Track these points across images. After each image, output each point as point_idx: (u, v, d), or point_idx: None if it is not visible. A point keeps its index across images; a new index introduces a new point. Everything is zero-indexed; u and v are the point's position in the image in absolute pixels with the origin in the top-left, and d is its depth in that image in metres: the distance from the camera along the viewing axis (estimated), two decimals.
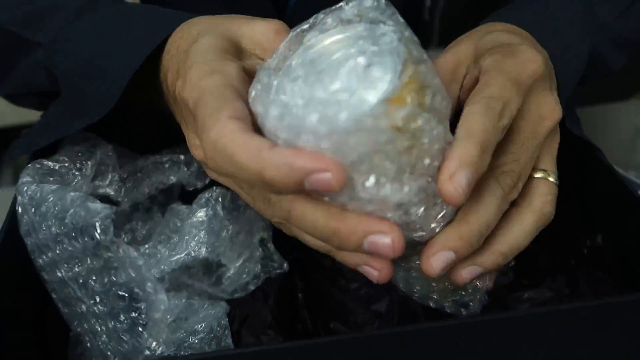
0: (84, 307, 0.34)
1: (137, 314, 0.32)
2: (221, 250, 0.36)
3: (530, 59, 0.31)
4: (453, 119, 0.29)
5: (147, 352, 0.32)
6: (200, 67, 0.29)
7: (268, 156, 0.24)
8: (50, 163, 0.35)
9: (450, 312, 0.35)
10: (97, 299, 0.33)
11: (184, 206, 0.37)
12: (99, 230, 0.31)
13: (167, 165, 0.41)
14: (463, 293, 0.34)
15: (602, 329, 0.31)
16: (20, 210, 0.33)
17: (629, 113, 0.66)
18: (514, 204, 0.32)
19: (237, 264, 0.38)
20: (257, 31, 0.32)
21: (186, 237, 0.35)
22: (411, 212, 0.27)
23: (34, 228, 0.33)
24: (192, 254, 0.35)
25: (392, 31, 0.25)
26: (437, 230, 0.29)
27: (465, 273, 0.31)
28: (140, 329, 0.32)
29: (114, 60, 0.35)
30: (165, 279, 0.35)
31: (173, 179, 0.41)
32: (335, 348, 0.29)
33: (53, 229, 0.32)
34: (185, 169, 0.41)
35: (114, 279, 0.32)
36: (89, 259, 0.32)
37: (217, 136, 0.25)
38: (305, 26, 0.28)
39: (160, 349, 0.32)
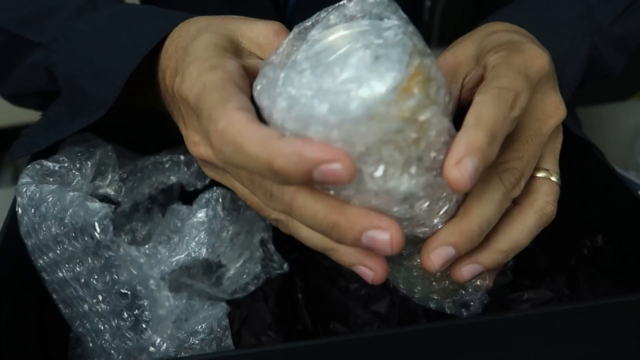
0: (86, 306, 0.34)
1: (140, 312, 0.32)
2: (221, 251, 0.36)
3: (536, 56, 0.31)
4: (454, 119, 0.29)
5: (152, 349, 0.32)
6: (201, 63, 0.29)
7: (278, 145, 0.24)
8: (50, 164, 0.35)
9: (451, 312, 0.35)
10: (100, 298, 0.33)
11: (184, 207, 0.37)
12: (98, 230, 0.31)
13: (167, 166, 0.41)
14: (463, 292, 0.34)
15: (602, 329, 0.31)
16: (20, 211, 0.33)
17: (629, 113, 0.66)
18: (515, 203, 0.32)
19: (237, 265, 0.38)
20: (256, 31, 0.33)
21: (186, 238, 0.35)
22: (416, 206, 0.27)
23: (34, 229, 0.33)
24: (193, 255, 0.35)
25: (397, 25, 0.26)
26: (440, 226, 0.29)
27: (466, 271, 0.31)
28: (143, 325, 0.32)
29: (112, 60, 0.35)
30: (166, 279, 0.35)
31: (173, 179, 0.41)
32: (335, 349, 0.29)
33: (53, 229, 0.32)
34: (186, 169, 0.41)
35: (116, 277, 0.32)
36: (89, 259, 0.32)
37: (226, 126, 0.25)
38: (308, 23, 0.28)
39: (165, 345, 0.32)
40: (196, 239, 0.35)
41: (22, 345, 0.35)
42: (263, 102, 0.27)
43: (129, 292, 0.32)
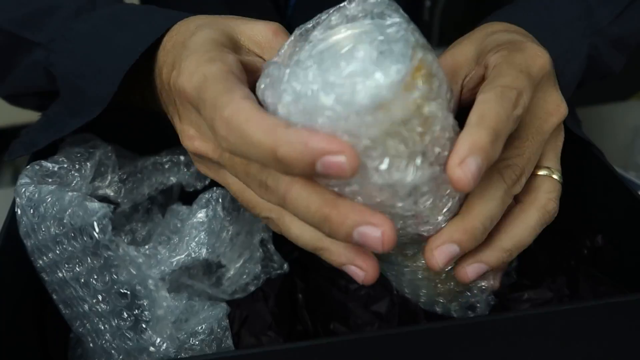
0: (86, 306, 0.34)
1: (139, 312, 0.32)
2: (221, 251, 0.36)
3: (537, 54, 0.31)
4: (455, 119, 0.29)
5: (152, 349, 0.32)
6: (199, 55, 0.29)
7: (283, 133, 0.24)
8: (49, 164, 0.35)
9: (457, 315, 0.35)
10: (99, 298, 0.33)
11: (184, 207, 0.37)
12: (97, 230, 0.31)
13: (166, 166, 0.41)
14: (469, 294, 0.34)
15: (602, 329, 0.31)
16: (19, 212, 0.33)
17: (629, 113, 0.66)
18: (517, 202, 0.32)
19: (237, 265, 0.38)
20: (255, 30, 0.33)
21: (186, 238, 0.35)
22: (420, 202, 0.27)
23: (33, 229, 0.33)
24: (193, 255, 0.35)
25: (398, 22, 0.26)
26: (443, 224, 0.29)
27: (471, 270, 0.31)
28: (143, 325, 0.32)
29: (110, 58, 0.35)
30: (166, 279, 0.35)
31: (173, 179, 0.41)
32: (335, 349, 0.29)
33: (52, 229, 0.32)
34: (185, 170, 0.41)
35: (115, 277, 0.32)
36: (89, 258, 0.32)
37: (232, 114, 0.25)
38: (309, 25, 0.28)
39: (165, 345, 0.32)
40: (196, 239, 0.35)
41: (22, 345, 0.35)
42: (268, 99, 0.27)
43: (129, 292, 0.32)
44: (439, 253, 0.28)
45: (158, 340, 0.32)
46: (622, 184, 0.37)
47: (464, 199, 0.30)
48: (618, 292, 0.37)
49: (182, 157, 0.40)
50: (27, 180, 0.34)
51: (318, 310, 0.40)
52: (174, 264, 0.34)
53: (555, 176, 0.33)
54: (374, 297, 0.40)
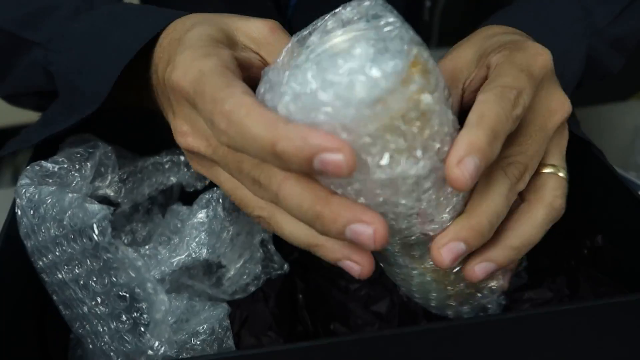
0: (85, 308, 0.34)
1: (138, 314, 0.32)
2: (222, 252, 0.36)
3: (538, 52, 0.31)
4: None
5: (150, 352, 0.32)
6: (194, 50, 0.29)
7: (283, 128, 0.24)
8: (49, 165, 0.35)
9: (468, 316, 0.35)
10: (98, 300, 0.33)
11: (185, 207, 0.37)
12: (96, 232, 0.31)
13: (167, 166, 0.41)
14: (480, 295, 0.34)
15: (603, 329, 0.31)
16: (19, 212, 0.33)
17: (629, 113, 0.66)
18: (524, 200, 0.32)
19: (238, 265, 0.38)
20: (251, 26, 0.33)
21: (187, 238, 0.35)
22: (423, 198, 0.27)
23: (33, 230, 0.33)
24: (193, 255, 0.35)
25: (393, 22, 0.26)
26: (448, 223, 0.29)
27: (479, 269, 0.31)
28: (142, 329, 0.32)
29: (106, 56, 0.35)
30: (166, 280, 0.35)
31: (173, 179, 0.41)
32: (336, 350, 0.29)
33: (52, 230, 0.32)
34: (185, 170, 0.41)
35: (114, 279, 0.32)
36: (88, 260, 0.32)
37: (233, 108, 0.25)
38: (306, 32, 0.28)
39: (163, 348, 0.32)
40: (196, 239, 0.35)
41: (23, 346, 0.35)
42: (268, 102, 0.27)
43: (128, 295, 0.32)
44: (446, 251, 0.28)
45: (156, 343, 0.32)
46: (622, 184, 0.37)
47: (469, 198, 0.30)
48: (618, 292, 0.37)
49: (182, 157, 0.40)
50: (28, 180, 0.34)
51: (318, 311, 0.40)
52: (175, 264, 0.34)
53: (561, 174, 0.33)
54: (374, 297, 0.40)
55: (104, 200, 0.39)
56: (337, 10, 0.28)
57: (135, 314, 0.32)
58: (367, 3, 0.27)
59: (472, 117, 0.27)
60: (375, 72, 0.24)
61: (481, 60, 0.33)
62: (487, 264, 0.31)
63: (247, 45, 0.32)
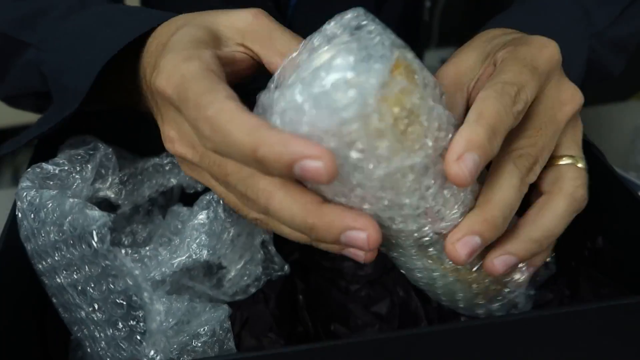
0: (83, 313, 0.34)
1: (135, 322, 0.32)
2: (222, 253, 0.36)
3: (544, 45, 0.31)
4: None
5: None
6: (176, 54, 0.29)
7: (264, 134, 0.24)
8: (50, 167, 0.35)
9: (500, 314, 0.34)
10: (96, 306, 0.33)
11: (185, 208, 0.37)
12: (95, 239, 0.31)
13: (167, 168, 0.41)
14: (507, 290, 0.34)
15: (603, 331, 0.31)
16: (19, 215, 0.33)
17: (629, 113, 0.66)
18: (544, 193, 0.32)
19: (238, 266, 0.38)
20: (234, 17, 0.32)
21: (187, 240, 0.35)
22: (426, 196, 0.28)
23: (33, 234, 0.33)
24: (193, 257, 0.35)
25: (374, 29, 0.27)
26: (460, 219, 0.29)
27: (499, 263, 0.30)
28: (138, 337, 0.32)
29: (91, 54, 0.35)
30: (167, 281, 0.35)
31: (173, 181, 0.41)
32: (337, 352, 0.29)
33: (51, 235, 0.32)
34: None
35: (112, 286, 0.32)
36: (86, 266, 0.32)
37: (216, 113, 0.25)
38: (295, 53, 0.29)
39: (159, 357, 0.32)
40: (197, 240, 0.35)
41: (23, 347, 0.35)
42: None
43: (125, 303, 0.32)
44: (461, 245, 0.28)
45: (152, 352, 0.32)
46: (622, 184, 0.37)
47: (479, 193, 0.30)
48: (618, 293, 0.37)
49: None
50: (28, 183, 0.34)
51: (319, 312, 0.40)
52: (175, 265, 0.34)
53: (579, 164, 0.33)
54: (375, 298, 0.40)
55: (105, 201, 0.39)
56: (322, 27, 0.28)
57: (131, 321, 0.32)
58: (349, 15, 0.28)
59: (471, 114, 0.27)
60: (356, 78, 0.25)
61: (487, 59, 0.33)
62: (508, 257, 0.30)
63: (232, 38, 0.32)
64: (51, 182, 0.35)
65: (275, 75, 0.29)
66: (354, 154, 0.25)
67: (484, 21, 0.40)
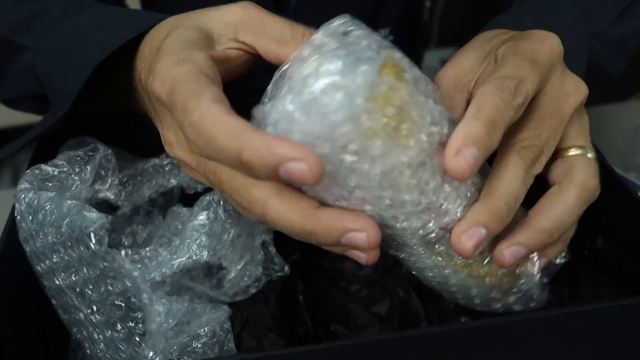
0: (81, 315, 0.34)
1: (134, 324, 0.32)
2: (222, 253, 0.36)
3: (544, 37, 0.31)
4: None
5: None
6: (168, 58, 0.29)
7: (248, 137, 0.24)
8: (49, 168, 0.35)
9: (520, 309, 0.34)
10: (94, 308, 0.33)
11: (185, 209, 0.37)
12: (93, 240, 0.31)
13: (167, 169, 0.41)
14: (522, 282, 0.33)
15: (603, 331, 0.31)
16: (18, 217, 0.33)
17: (629, 113, 0.66)
18: (555, 184, 0.32)
19: (238, 267, 0.38)
20: (225, 13, 0.32)
21: (187, 240, 0.35)
22: (426, 190, 0.28)
23: (31, 236, 0.33)
24: (194, 257, 0.35)
25: (360, 33, 0.27)
26: (464, 213, 0.29)
27: (508, 254, 0.30)
28: (137, 338, 0.32)
29: (83, 56, 0.35)
30: (167, 282, 0.35)
31: (173, 182, 0.41)
32: (338, 353, 0.29)
33: (50, 237, 0.32)
34: None
35: (110, 288, 0.32)
36: (85, 268, 0.32)
37: (200, 118, 0.25)
38: (285, 66, 0.29)
39: (158, 359, 0.32)
40: (197, 241, 0.35)
41: (24, 348, 0.35)
42: None
43: (123, 305, 0.32)
44: (466, 237, 0.28)
45: (151, 353, 0.32)
46: (622, 185, 0.37)
47: (482, 185, 0.30)
48: (618, 294, 0.37)
49: None
50: (27, 185, 0.34)
51: (319, 312, 0.40)
52: (175, 266, 0.34)
53: (589, 154, 0.32)
54: (375, 298, 0.40)
55: (104, 203, 0.39)
56: (310, 38, 0.28)
57: (130, 323, 0.32)
58: (335, 23, 0.28)
59: (470, 109, 0.27)
60: (343, 81, 0.25)
61: (487, 58, 0.33)
62: (517, 247, 0.30)
63: (223, 35, 0.32)
64: (50, 184, 0.35)
65: (268, 88, 0.29)
66: (349, 157, 0.26)
67: (484, 21, 0.40)
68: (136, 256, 0.34)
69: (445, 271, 0.32)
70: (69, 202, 0.32)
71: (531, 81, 0.29)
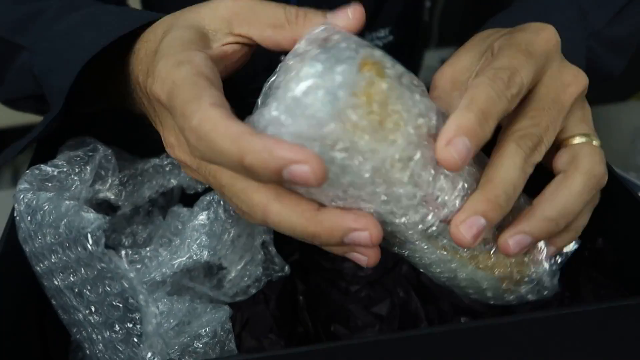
0: (80, 315, 0.34)
1: (132, 325, 0.32)
2: (222, 254, 0.36)
3: (540, 28, 0.31)
4: None
5: None
6: (167, 60, 0.29)
7: (250, 141, 0.24)
8: (48, 168, 0.35)
9: (534, 299, 0.34)
10: (93, 309, 0.33)
11: (185, 209, 0.37)
12: (90, 241, 0.31)
13: (167, 169, 0.41)
14: (532, 271, 0.33)
15: (603, 332, 0.31)
16: (17, 217, 0.33)
17: (629, 113, 0.66)
18: (560, 172, 0.32)
19: (239, 267, 0.38)
20: (215, 7, 0.32)
21: (187, 240, 0.35)
22: (420, 182, 0.28)
23: (30, 236, 0.33)
24: (194, 257, 0.35)
25: (340, 37, 0.28)
26: (463, 203, 0.29)
27: (513, 242, 0.30)
28: (135, 339, 0.32)
29: (75, 54, 0.35)
30: (167, 282, 0.35)
31: (173, 182, 0.41)
32: (339, 353, 0.29)
33: (48, 237, 0.32)
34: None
35: (108, 289, 0.32)
36: (82, 269, 0.32)
37: (200, 123, 0.25)
38: (274, 77, 0.29)
39: (156, 359, 0.32)
40: (197, 241, 0.35)
41: (24, 348, 0.35)
42: None
43: (121, 305, 0.32)
44: (465, 227, 0.28)
45: (149, 354, 0.32)
46: (622, 185, 0.37)
47: (481, 176, 0.30)
48: (619, 294, 0.37)
49: None
50: (26, 185, 0.33)
51: (319, 312, 0.40)
52: (175, 266, 0.34)
53: (594, 142, 0.32)
54: (375, 298, 0.40)
55: (104, 203, 0.39)
56: (293, 48, 0.29)
57: (128, 324, 0.32)
58: (317, 31, 0.29)
59: (463, 101, 0.27)
60: (323, 80, 0.25)
61: (485, 54, 0.33)
62: (522, 236, 0.30)
63: (219, 30, 0.32)
64: (50, 184, 0.34)
65: (259, 100, 0.30)
66: (339, 154, 0.26)
67: (484, 21, 0.40)
68: (136, 256, 0.34)
69: (452, 265, 0.32)
70: (67, 202, 0.32)
71: (526, 72, 0.29)
